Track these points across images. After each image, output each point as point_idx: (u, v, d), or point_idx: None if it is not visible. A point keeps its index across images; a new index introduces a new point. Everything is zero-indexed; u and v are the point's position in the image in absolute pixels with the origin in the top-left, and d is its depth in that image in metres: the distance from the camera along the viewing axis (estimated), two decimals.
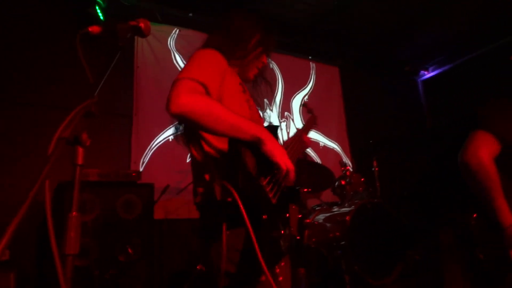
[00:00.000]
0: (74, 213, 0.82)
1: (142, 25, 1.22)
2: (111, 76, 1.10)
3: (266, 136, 1.38)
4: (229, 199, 1.24)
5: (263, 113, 1.87)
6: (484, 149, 1.65)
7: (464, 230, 1.73)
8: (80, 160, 0.85)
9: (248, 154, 1.36)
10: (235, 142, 1.35)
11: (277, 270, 1.43)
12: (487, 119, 1.72)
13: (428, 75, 6.44)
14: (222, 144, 1.43)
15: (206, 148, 1.46)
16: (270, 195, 1.38)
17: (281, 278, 1.44)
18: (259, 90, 1.87)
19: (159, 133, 4.30)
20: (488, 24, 5.20)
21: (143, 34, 1.24)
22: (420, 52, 5.95)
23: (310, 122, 2.29)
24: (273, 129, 1.57)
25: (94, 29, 1.08)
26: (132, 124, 4.24)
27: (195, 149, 1.51)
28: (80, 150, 0.84)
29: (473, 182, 1.66)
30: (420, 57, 6.13)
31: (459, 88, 5.75)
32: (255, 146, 1.39)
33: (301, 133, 1.96)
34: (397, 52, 6.00)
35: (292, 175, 1.44)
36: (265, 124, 1.84)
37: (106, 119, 4.11)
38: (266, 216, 1.30)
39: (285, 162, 1.41)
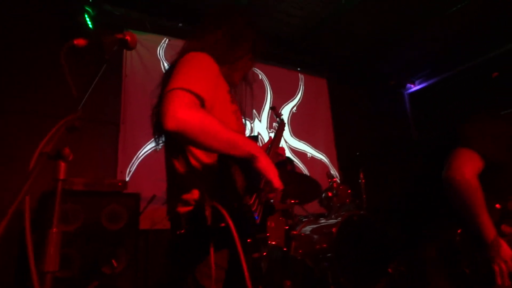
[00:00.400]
0: (54, 229, 0.80)
1: (128, 38, 1.22)
2: (99, 84, 1.09)
3: (260, 153, 1.33)
4: (222, 224, 1.19)
5: (245, 121, 1.80)
6: (467, 166, 1.68)
7: (449, 245, 1.75)
8: (61, 175, 0.84)
9: (237, 171, 1.31)
10: (226, 158, 1.30)
11: None
12: (470, 137, 1.75)
13: (414, 88, 6.54)
14: (210, 159, 1.38)
15: (193, 162, 1.40)
16: (255, 215, 1.33)
17: None
18: (242, 96, 1.79)
19: (147, 142, 4.27)
20: (474, 39, 5.32)
21: (129, 47, 1.23)
22: (406, 65, 6.05)
23: (280, 130, 2.17)
24: (253, 139, 1.51)
25: (80, 42, 1.07)
26: (119, 133, 4.21)
27: (178, 162, 1.44)
28: (62, 164, 0.83)
29: (456, 198, 1.69)
30: (407, 70, 6.24)
31: (445, 101, 5.85)
32: (243, 162, 1.33)
33: (276, 146, 1.87)
34: (384, 65, 6.09)
35: (278, 190, 1.38)
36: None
37: (93, 127, 4.08)
38: (250, 240, 1.27)
39: (278, 180, 1.35)
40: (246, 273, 1.16)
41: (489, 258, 1.64)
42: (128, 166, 4.14)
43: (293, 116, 5.64)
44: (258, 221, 1.35)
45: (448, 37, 5.33)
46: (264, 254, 1.35)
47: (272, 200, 1.56)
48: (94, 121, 4.06)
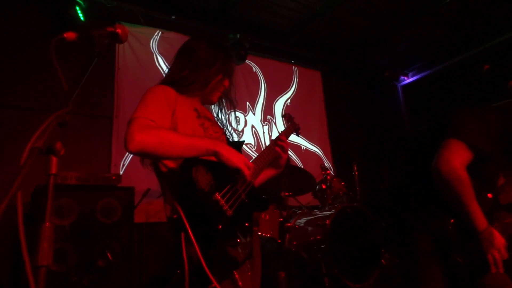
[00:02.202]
0: (47, 223, 0.81)
1: (119, 31, 1.21)
2: (91, 78, 1.09)
3: (220, 147, 1.52)
4: (175, 216, 1.40)
5: (229, 130, 1.98)
6: (456, 157, 1.69)
7: (441, 235, 1.77)
8: (53, 170, 0.84)
9: (201, 171, 1.47)
10: (186, 162, 1.46)
11: (236, 276, 1.51)
12: (459, 128, 1.76)
13: (408, 80, 6.57)
14: (174, 163, 1.56)
15: (163, 168, 1.59)
16: (225, 208, 1.46)
17: (241, 283, 1.51)
18: (224, 108, 1.99)
19: None
20: (466, 32, 5.34)
21: (120, 40, 1.23)
22: (400, 57, 6.07)
23: (290, 129, 2.33)
24: (236, 145, 1.76)
25: (70, 35, 1.06)
26: (112, 127, 4.19)
27: (155, 170, 1.65)
28: (54, 159, 0.83)
29: (447, 189, 1.71)
30: (400, 62, 6.25)
31: (438, 93, 5.88)
32: (211, 162, 1.52)
33: (275, 140, 1.98)
34: (377, 58, 6.10)
35: (248, 172, 1.56)
36: (235, 139, 1.97)
37: (86, 121, 4.05)
38: (221, 227, 1.40)
39: (243, 162, 1.55)
40: (202, 258, 1.32)
41: (482, 248, 1.67)
42: (122, 160, 4.13)
43: (287, 108, 5.64)
44: (230, 212, 1.47)
45: (441, 30, 5.35)
46: (239, 241, 1.48)
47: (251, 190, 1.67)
48: (87, 115, 4.04)
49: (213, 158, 1.55)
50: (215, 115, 1.96)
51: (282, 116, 2.66)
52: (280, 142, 1.95)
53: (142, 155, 1.53)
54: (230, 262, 1.45)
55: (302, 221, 3.70)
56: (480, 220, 1.67)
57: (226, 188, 1.53)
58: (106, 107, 4.20)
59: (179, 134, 1.52)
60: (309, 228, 3.57)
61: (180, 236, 1.38)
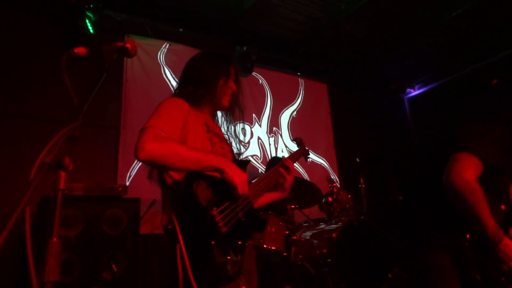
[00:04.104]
0: (54, 238, 0.81)
1: (128, 45, 1.23)
2: (99, 89, 1.10)
3: (226, 165, 1.58)
4: (170, 227, 1.44)
5: (237, 145, 2.06)
6: (468, 170, 1.68)
7: (458, 251, 1.74)
8: (62, 185, 0.84)
9: (202, 186, 1.53)
10: (189, 175, 1.52)
11: None
12: (469, 141, 1.75)
13: (414, 93, 6.55)
14: (179, 176, 1.61)
15: (168, 179, 1.65)
16: (220, 224, 1.49)
17: None
18: (234, 117, 2.06)
19: None
20: (473, 45, 5.34)
21: (129, 54, 1.24)
22: (406, 70, 6.07)
23: (298, 153, 2.41)
24: (242, 163, 1.80)
25: (80, 50, 1.08)
26: (119, 138, 4.21)
27: (159, 180, 1.73)
28: (62, 174, 0.84)
29: (461, 202, 1.69)
30: (406, 75, 6.25)
31: (445, 106, 5.86)
32: (213, 178, 1.58)
33: (281, 162, 2.01)
34: (384, 70, 6.10)
35: (242, 192, 1.60)
36: (238, 154, 2.04)
37: (93, 132, 4.08)
38: (214, 242, 1.44)
39: (241, 185, 1.60)
40: (189, 269, 1.37)
41: (499, 260, 1.64)
42: (128, 171, 4.14)
43: (293, 120, 5.64)
44: (224, 229, 1.51)
45: (447, 43, 5.35)
46: (230, 258, 1.50)
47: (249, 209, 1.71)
48: (94, 126, 4.07)
49: (217, 174, 1.60)
50: (225, 128, 2.04)
51: (292, 140, 2.70)
52: (285, 163, 1.99)
53: (150, 164, 1.60)
54: (218, 278, 1.48)
55: (308, 234, 3.67)
56: (496, 232, 1.65)
57: (225, 205, 1.57)
58: (113, 118, 4.23)
59: (188, 147, 1.59)
60: (315, 242, 3.54)
61: (175, 247, 1.41)
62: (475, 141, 1.76)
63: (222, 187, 1.59)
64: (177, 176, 1.62)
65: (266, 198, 1.99)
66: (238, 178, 1.59)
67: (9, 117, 3.62)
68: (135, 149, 1.44)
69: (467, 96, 5.46)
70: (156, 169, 1.72)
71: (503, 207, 1.81)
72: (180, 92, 1.86)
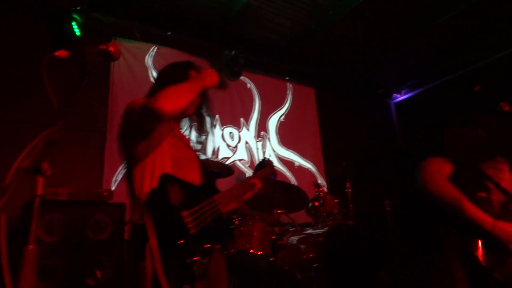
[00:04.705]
0: (31, 246, 0.79)
1: (111, 49, 1.21)
2: (85, 92, 1.09)
3: (204, 80, 1.86)
4: (141, 221, 1.48)
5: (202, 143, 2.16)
6: (437, 173, 1.75)
7: (468, 254, 1.76)
8: (39, 191, 0.82)
9: (174, 189, 1.60)
10: (164, 177, 1.59)
11: None
12: (444, 145, 1.83)
13: (400, 98, 6.63)
14: (154, 178, 1.66)
15: (138, 180, 1.70)
16: (189, 225, 1.56)
17: None
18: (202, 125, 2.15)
19: None
20: (457, 51, 5.42)
21: (112, 58, 1.23)
22: (393, 75, 6.14)
23: (265, 172, 2.42)
24: (211, 175, 1.91)
25: (61, 53, 1.06)
26: (106, 142, 4.16)
27: (132, 183, 1.75)
28: (40, 179, 0.82)
29: (441, 203, 1.74)
30: (393, 80, 6.32)
31: (430, 111, 5.93)
32: (186, 183, 1.68)
33: (250, 178, 2.12)
34: (371, 75, 6.17)
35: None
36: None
37: (79, 136, 4.03)
38: (183, 241, 1.51)
39: (211, 76, 1.87)
40: (159, 267, 1.40)
41: (501, 243, 1.65)
42: (114, 175, 4.10)
43: (281, 125, 5.66)
44: (193, 230, 1.57)
45: (433, 49, 5.43)
46: (197, 259, 1.56)
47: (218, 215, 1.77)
48: (80, 129, 4.02)
49: (189, 179, 1.72)
50: (195, 136, 2.13)
51: (263, 162, 2.74)
52: (251, 181, 2.08)
53: (176, 114, 1.69)
54: (186, 276, 1.53)
55: (295, 238, 3.67)
56: (484, 219, 1.68)
57: (195, 209, 1.63)
58: (100, 122, 4.18)
59: (177, 84, 1.74)
60: (302, 246, 3.54)
61: (143, 244, 1.44)
62: (447, 144, 1.83)
63: (193, 192, 1.68)
64: (150, 178, 1.68)
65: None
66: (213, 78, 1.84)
67: None
68: (155, 110, 1.56)
69: (452, 102, 5.54)
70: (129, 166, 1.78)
71: (482, 194, 1.85)
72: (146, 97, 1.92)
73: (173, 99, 1.63)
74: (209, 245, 1.65)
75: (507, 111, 1.84)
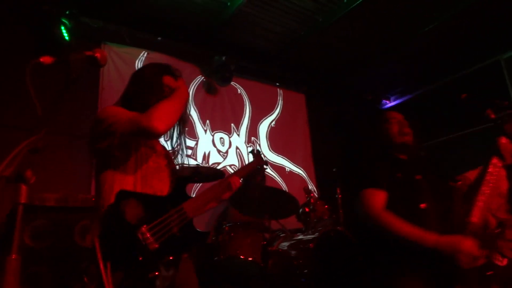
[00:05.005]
0: (13, 255, 0.77)
1: (98, 55, 1.21)
2: (74, 97, 1.08)
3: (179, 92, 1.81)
4: (91, 247, 1.49)
5: (182, 158, 2.03)
6: (374, 204, 1.87)
7: (431, 276, 1.79)
8: (23, 199, 0.81)
9: (131, 204, 1.56)
10: (119, 194, 1.56)
11: None
12: (368, 178, 1.99)
13: (390, 104, 6.68)
14: (111, 194, 1.61)
15: (98, 194, 1.67)
16: (149, 241, 1.54)
17: None
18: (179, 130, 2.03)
19: None
20: (445, 58, 5.50)
21: (99, 64, 1.22)
22: (382, 82, 6.19)
23: (249, 166, 2.41)
24: (181, 181, 1.85)
25: (46, 59, 1.05)
26: None
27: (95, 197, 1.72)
28: (23, 187, 0.81)
29: (383, 234, 1.83)
30: (382, 87, 6.38)
31: (419, 117, 5.98)
32: (145, 195, 1.65)
33: (227, 181, 2.00)
34: (360, 81, 6.21)
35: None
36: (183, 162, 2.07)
37: (66, 141, 3.98)
38: (141, 258, 1.49)
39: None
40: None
41: (447, 256, 1.68)
42: None
43: (271, 130, 5.67)
44: (155, 245, 1.54)
45: (421, 56, 5.50)
46: (158, 274, 1.53)
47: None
48: (69, 134, 3.98)
49: (149, 191, 1.69)
50: (171, 142, 2.01)
51: (249, 153, 2.71)
52: (231, 182, 1.98)
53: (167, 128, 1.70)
54: None
55: (285, 244, 3.66)
56: (427, 238, 1.72)
57: (157, 221, 1.60)
58: (88, 127, 4.13)
59: (167, 101, 1.72)
60: (293, 252, 3.53)
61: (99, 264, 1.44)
62: (372, 175, 1.99)
63: (154, 204, 1.64)
64: (108, 194, 1.63)
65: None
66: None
67: None
68: (150, 133, 1.58)
69: (440, 108, 5.60)
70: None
71: (422, 205, 1.91)
72: (117, 103, 1.91)
73: (167, 119, 1.64)
74: (173, 257, 1.62)
75: (493, 119, 1.88)
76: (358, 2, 4.30)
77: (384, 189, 1.90)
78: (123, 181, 1.66)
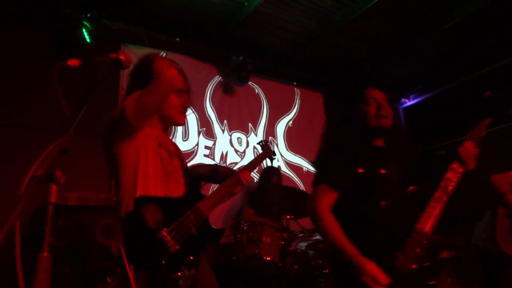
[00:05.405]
0: (45, 253, 0.80)
1: (122, 57, 1.23)
2: (95, 98, 1.10)
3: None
4: (117, 254, 1.58)
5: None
6: (320, 203, 1.80)
7: None
8: (53, 198, 0.83)
9: (150, 209, 1.61)
10: (138, 201, 1.61)
11: None
12: (323, 173, 1.89)
13: (409, 103, 6.60)
14: (130, 202, 1.65)
15: (121, 211, 1.68)
16: (170, 244, 1.60)
17: None
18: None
19: None
20: (465, 56, 5.39)
21: (123, 66, 1.25)
22: (400, 80, 6.11)
23: (258, 159, 2.43)
24: (195, 181, 1.91)
25: (73, 62, 1.08)
26: None
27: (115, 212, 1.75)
28: (54, 187, 0.83)
29: (320, 233, 1.84)
30: (401, 85, 6.29)
31: (439, 115, 5.90)
32: (162, 199, 1.69)
33: (237, 177, 2.03)
34: (378, 80, 6.14)
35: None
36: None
37: (88, 141, 4.05)
38: (164, 261, 1.55)
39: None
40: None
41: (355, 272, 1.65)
42: None
43: (289, 130, 5.66)
44: (176, 247, 1.61)
45: (441, 54, 5.40)
46: (180, 274, 1.60)
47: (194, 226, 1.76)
48: (90, 135, 4.05)
49: (173, 193, 1.75)
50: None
51: (258, 143, 2.70)
52: (241, 177, 2.01)
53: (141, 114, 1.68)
54: None
55: (303, 244, 3.65)
56: (350, 248, 1.68)
57: (175, 224, 1.66)
58: None
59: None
60: (311, 252, 3.53)
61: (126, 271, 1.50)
62: (327, 171, 1.88)
63: (171, 207, 1.69)
64: (127, 202, 1.66)
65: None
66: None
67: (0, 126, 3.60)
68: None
69: (460, 106, 5.50)
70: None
71: (382, 203, 1.85)
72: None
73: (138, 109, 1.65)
74: (193, 257, 1.67)
75: None
76: (375, 1, 4.25)
77: (336, 188, 1.82)
78: (145, 184, 1.69)
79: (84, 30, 3.99)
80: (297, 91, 5.95)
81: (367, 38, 5.07)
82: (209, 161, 4.74)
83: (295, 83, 5.94)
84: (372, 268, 1.62)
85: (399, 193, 1.92)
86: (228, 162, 4.95)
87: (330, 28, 4.83)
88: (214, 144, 4.89)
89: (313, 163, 2.00)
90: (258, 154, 2.53)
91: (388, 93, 2.08)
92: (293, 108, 5.83)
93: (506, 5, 4.37)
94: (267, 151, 2.49)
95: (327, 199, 1.82)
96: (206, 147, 4.79)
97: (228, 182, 1.99)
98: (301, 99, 5.94)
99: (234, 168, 4.85)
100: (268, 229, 3.34)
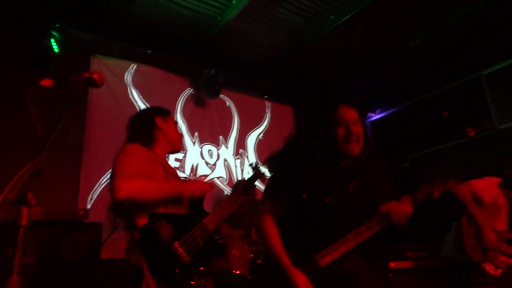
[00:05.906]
0: (14, 277, 0.79)
1: (95, 76, 1.25)
2: (61, 108, 1.10)
3: (184, 186, 1.97)
4: (137, 265, 1.69)
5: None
6: (264, 213, 1.85)
7: None
8: (24, 221, 0.83)
9: (163, 225, 1.79)
10: (152, 218, 1.79)
11: None
12: (273, 185, 1.92)
13: (375, 117, 6.81)
14: (143, 219, 1.82)
15: (138, 223, 1.83)
16: (182, 255, 1.79)
17: None
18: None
19: (110, 168, 4.18)
20: (428, 74, 5.64)
21: (96, 85, 1.26)
22: (367, 96, 6.30)
23: (253, 178, 2.53)
24: (197, 201, 2.08)
25: (46, 82, 1.09)
26: (81, 159, 4.10)
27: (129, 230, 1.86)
28: (25, 210, 0.83)
29: (260, 239, 1.95)
30: (368, 100, 6.49)
31: (403, 130, 6.12)
32: (173, 215, 1.89)
33: (237, 197, 2.28)
34: (346, 96, 6.30)
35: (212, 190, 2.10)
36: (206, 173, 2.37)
37: (53, 153, 3.95)
38: (178, 271, 1.74)
39: (205, 187, 2.06)
40: None
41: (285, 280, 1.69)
42: (90, 193, 4.04)
43: (259, 142, 5.71)
44: (187, 258, 1.80)
45: (405, 71, 5.63)
46: (193, 283, 1.82)
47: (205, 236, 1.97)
48: (55, 146, 3.94)
49: (176, 211, 1.92)
50: None
51: (250, 164, 2.75)
52: (250, 195, 2.32)
53: (127, 200, 1.78)
54: None
55: None
56: (283, 259, 1.71)
57: (186, 237, 1.85)
58: (75, 139, 4.12)
59: (156, 181, 1.91)
60: None
61: (140, 280, 1.65)
62: (267, 188, 1.93)
63: (181, 222, 1.88)
64: (140, 220, 1.82)
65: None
66: (195, 188, 2.00)
67: None
68: (112, 191, 1.72)
69: (423, 121, 5.74)
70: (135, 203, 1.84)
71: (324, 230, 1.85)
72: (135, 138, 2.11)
73: (141, 192, 1.79)
74: (203, 267, 1.88)
75: (472, 137, 1.94)
76: (344, 20, 4.41)
77: (280, 205, 1.85)
78: (155, 207, 1.88)
79: (52, 40, 3.92)
80: (268, 104, 6.03)
81: (337, 54, 5.23)
82: (180, 174, 4.70)
83: (266, 96, 6.02)
84: (301, 281, 1.65)
85: (348, 218, 1.81)
86: (198, 174, 4.94)
87: (300, 43, 4.95)
88: (185, 156, 4.87)
89: (264, 163, 2.05)
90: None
91: (360, 108, 1.99)
92: (264, 121, 5.90)
93: (467, 26, 4.62)
94: (257, 173, 2.57)
95: (271, 211, 1.86)
96: (177, 160, 4.76)
97: (227, 200, 2.24)
98: (272, 112, 6.02)
99: (205, 180, 4.84)
100: (236, 242, 3.36)
